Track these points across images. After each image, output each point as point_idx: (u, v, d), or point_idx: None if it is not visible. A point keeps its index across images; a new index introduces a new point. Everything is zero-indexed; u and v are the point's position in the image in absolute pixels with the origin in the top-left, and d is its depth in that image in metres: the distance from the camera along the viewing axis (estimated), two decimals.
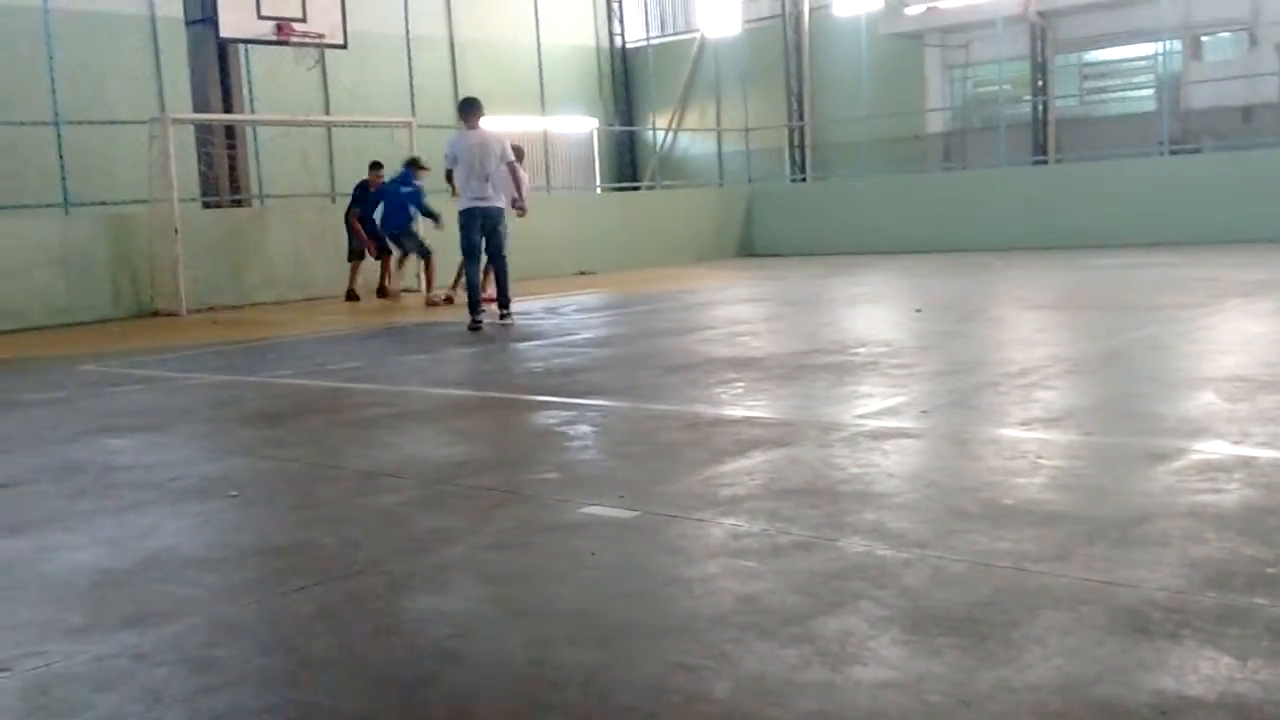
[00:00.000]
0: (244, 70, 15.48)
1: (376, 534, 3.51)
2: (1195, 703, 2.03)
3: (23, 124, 14.70)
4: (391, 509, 3.79)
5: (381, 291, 14.16)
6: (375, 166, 14.32)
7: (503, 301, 10.23)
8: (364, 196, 14.20)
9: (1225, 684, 2.09)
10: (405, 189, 13.51)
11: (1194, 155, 17.83)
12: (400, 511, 3.75)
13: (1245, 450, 3.90)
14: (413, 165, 13.65)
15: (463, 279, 10.57)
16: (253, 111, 16.04)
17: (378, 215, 13.96)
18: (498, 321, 10.09)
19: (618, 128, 24.94)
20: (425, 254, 13.56)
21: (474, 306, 9.87)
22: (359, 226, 14.09)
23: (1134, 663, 2.21)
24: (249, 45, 14.92)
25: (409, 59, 18.48)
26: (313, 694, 2.34)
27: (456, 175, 9.95)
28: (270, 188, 17.19)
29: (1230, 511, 3.17)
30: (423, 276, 13.81)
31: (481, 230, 9.93)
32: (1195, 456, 3.85)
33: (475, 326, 9.72)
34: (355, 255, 14.20)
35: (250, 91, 15.99)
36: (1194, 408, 4.76)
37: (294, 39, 14.34)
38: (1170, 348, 6.77)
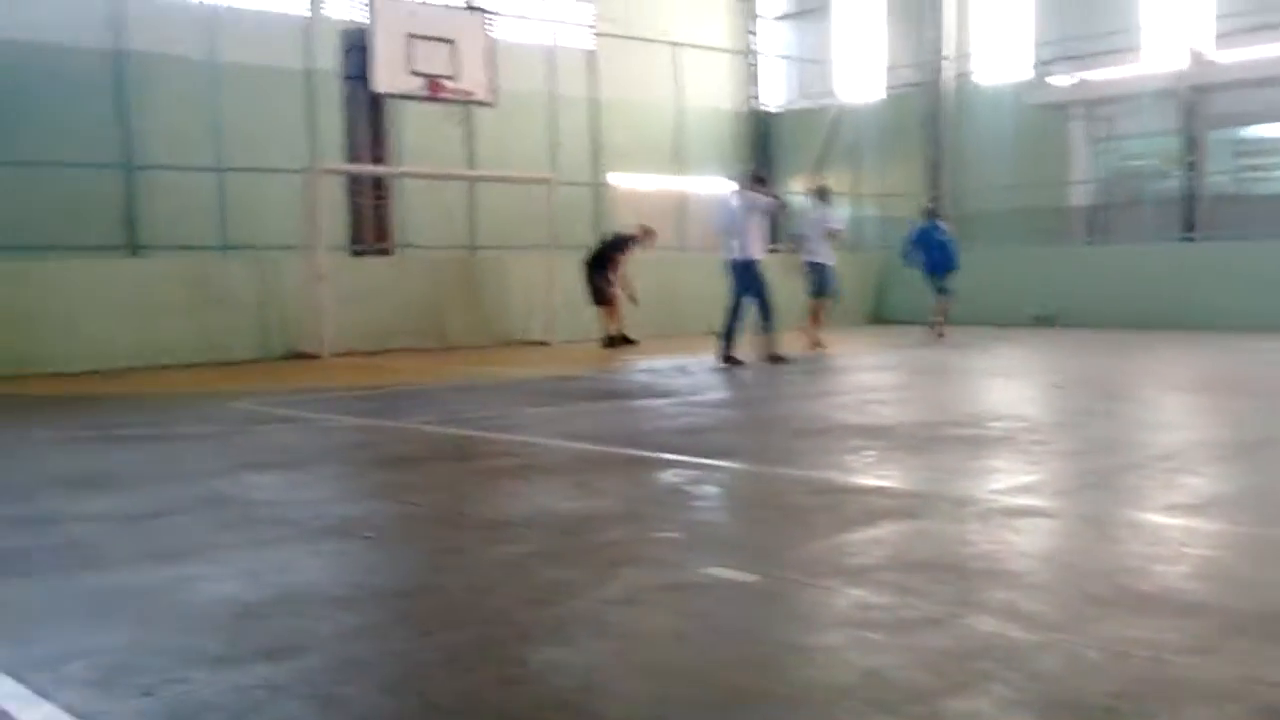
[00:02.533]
0: (395, 125, 16.07)
1: (503, 583, 3.56)
2: None
3: (187, 169, 15.48)
4: (518, 559, 3.84)
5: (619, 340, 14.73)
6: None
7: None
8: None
9: None
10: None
11: None
12: (526, 562, 3.80)
13: None
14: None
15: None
16: (401, 164, 16.60)
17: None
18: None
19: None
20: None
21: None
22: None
23: None
24: (400, 100, 15.49)
25: (553, 117, 18.90)
26: None
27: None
28: (413, 238, 17.72)
29: None
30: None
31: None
32: None
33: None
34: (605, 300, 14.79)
35: (400, 145, 16.57)
36: None
37: (443, 95, 14.85)
38: None
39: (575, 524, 4.33)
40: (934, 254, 15.80)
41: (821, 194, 14.71)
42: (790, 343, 12.21)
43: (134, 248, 16.44)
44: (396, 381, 10.62)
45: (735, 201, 11.70)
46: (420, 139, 17.68)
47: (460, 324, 15.30)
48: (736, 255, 11.30)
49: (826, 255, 14.01)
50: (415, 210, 18.02)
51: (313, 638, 3.02)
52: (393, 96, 15.00)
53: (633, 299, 14.77)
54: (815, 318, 13.94)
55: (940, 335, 15.20)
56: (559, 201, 15.97)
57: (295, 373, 11.68)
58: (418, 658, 2.88)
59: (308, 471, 5.76)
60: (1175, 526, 4.12)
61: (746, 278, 11.34)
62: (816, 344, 13.52)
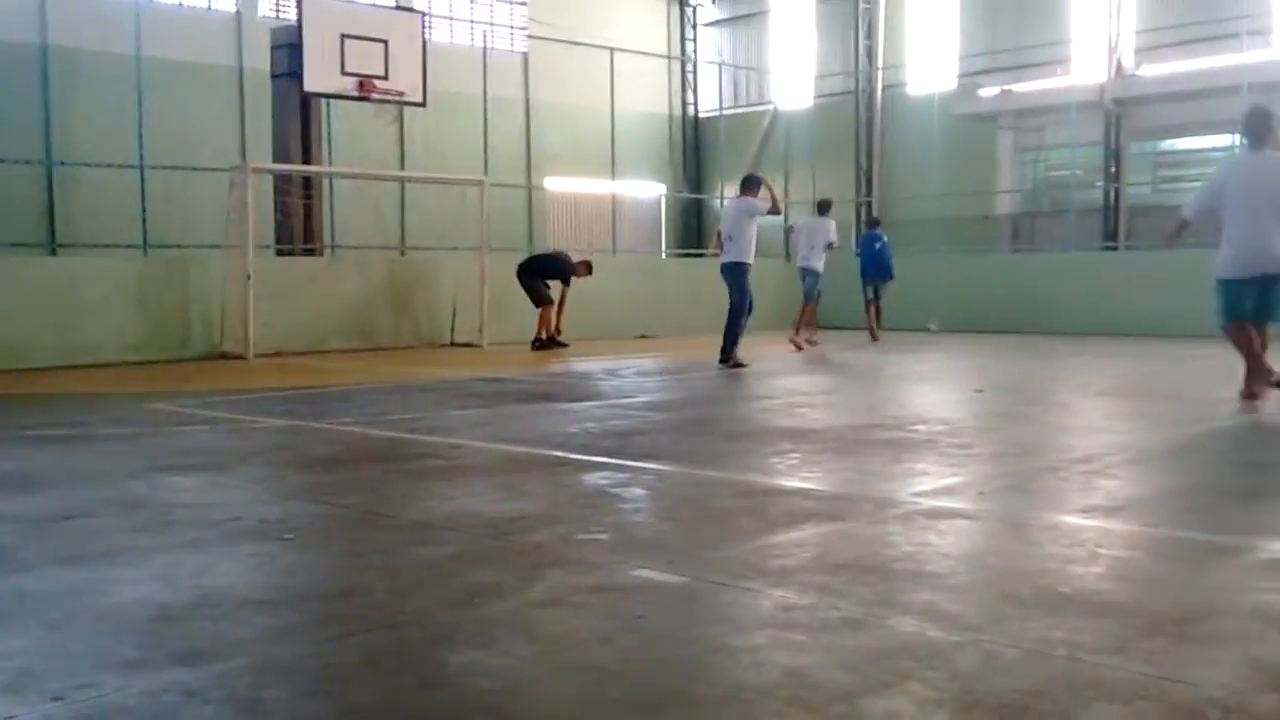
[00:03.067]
0: (324, 123, 15.89)
1: (426, 585, 3.52)
2: None
3: (110, 166, 15.17)
4: (441, 561, 3.81)
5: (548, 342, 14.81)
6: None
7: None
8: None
9: None
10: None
11: None
12: (450, 564, 3.77)
13: None
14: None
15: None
16: (331, 164, 16.42)
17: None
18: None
19: (685, 195, 25.15)
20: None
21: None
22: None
23: None
24: (331, 100, 15.32)
25: (485, 119, 18.82)
26: None
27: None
28: (342, 238, 17.53)
29: None
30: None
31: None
32: (1263, 555, 3.76)
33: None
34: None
35: (329, 144, 16.39)
36: (1261, 505, 4.65)
37: (375, 96, 14.72)
38: (1236, 441, 6.64)
39: (501, 526, 4.30)
40: (870, 262, 16.49)
41: (822, 207, 15.69)
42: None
43: (54, 246, 16.08)
44: (322, 382, 10.48)
45: (731, 206, 12.24)
46: (351, 139, 17.52)
47: (389, 325, 15.17)
48: (727, 258, 11.72)
49: (820, 264, 15.02)
50: (345, 210, 17.83)
51: (230, 641, 2.96)
52: (323, 96, 14.84)
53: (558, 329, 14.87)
54: (808, 320, 14.93)
55: (874, 339, 15.97)
56: (491, 204, 15.89)
57: (219, 374, 11.48)
58: (337, 660, 2.84)
59: (228, 473, 5.66)
60: (1091, 528, 4.20)
61: (731, 279, 11.72)
62: (809, 342, 14.47)
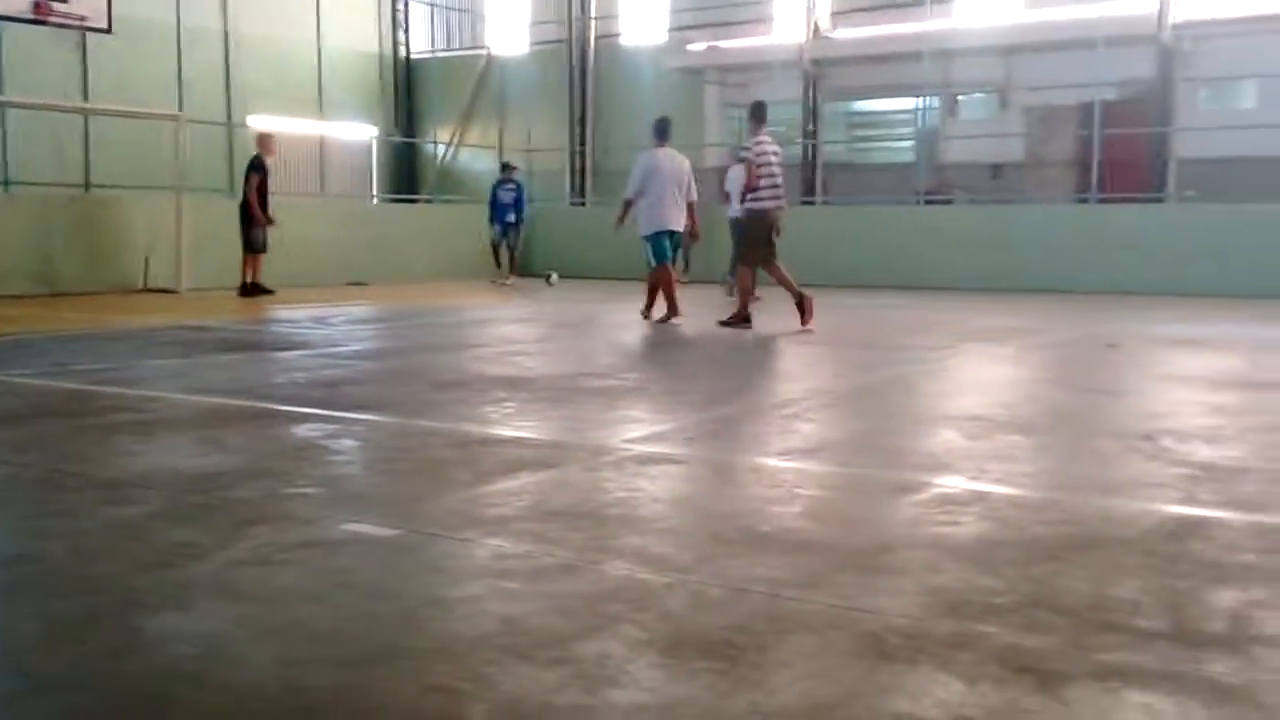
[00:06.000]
0: None
1: (116, 547, 3.31)
2: None
3: None
4: (134, 521, 3.59)
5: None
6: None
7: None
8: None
9: (956, 707, 2.21)
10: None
11: (946, 206, 18.98)
12: (144, 524, 3.55)
13: (980, 486, 4.16)
14: None
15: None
16: (3, 92, 14.99)
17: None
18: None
19: (397, 138, 24.54)
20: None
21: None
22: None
23: (874, 687, 2.31)
24: (2, 22, 13.94)
25: (179, 50, 17.66)
26: (39, 718, 2.19)
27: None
28: (19, 174, 16.09)
29: (965, 543, 3.38)
30: None
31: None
32: (936, 490, 4.08)
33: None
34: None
35: (2, 71, 14.96)
36: (936, 444, 5.04)
37: (53, 19, 13.49)
38: (917, 386, 7.17)
39: (200, 482, 4.09)
40: (502, 210, 17.32)
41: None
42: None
43: None
44: None
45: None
46: (27, 65, 16.05)
47: (74, 268, 14.08)
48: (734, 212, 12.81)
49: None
50: (20, 144, 16.36)
51: None
52: None
53: (269, 220, 14.14)
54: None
55: (503, 284, 16.76)
56: (188, 141, 14.97)
57: None
58: (15, 632, 2.63)
59: None
60: (790, 470, 4.43)
61: (732, 233, 12.81)
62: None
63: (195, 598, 2.87)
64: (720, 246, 15.44)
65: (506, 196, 17.46)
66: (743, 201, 10.73)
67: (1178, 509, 3.83)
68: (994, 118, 19.78)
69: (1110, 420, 5.74)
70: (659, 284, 11.26)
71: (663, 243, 11.25)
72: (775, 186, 10.44)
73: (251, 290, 14.01)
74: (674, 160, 11.38)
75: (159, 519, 3.62)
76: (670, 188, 11.28)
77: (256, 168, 14.16)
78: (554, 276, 17.97)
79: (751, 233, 10.55)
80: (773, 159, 10.41)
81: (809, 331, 9.96)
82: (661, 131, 11.46)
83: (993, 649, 2.52)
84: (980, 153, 19.50)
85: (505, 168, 18.08)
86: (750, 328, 10.31)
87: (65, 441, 4.96)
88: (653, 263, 11.26)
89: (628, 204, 11.43)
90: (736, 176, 14.81)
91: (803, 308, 10.16)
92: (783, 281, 10.38)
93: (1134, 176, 17.67)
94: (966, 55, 19.08)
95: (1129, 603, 2.83)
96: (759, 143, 10.50)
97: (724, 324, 10.43)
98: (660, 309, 11.13)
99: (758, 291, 10.86)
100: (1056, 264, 16.30)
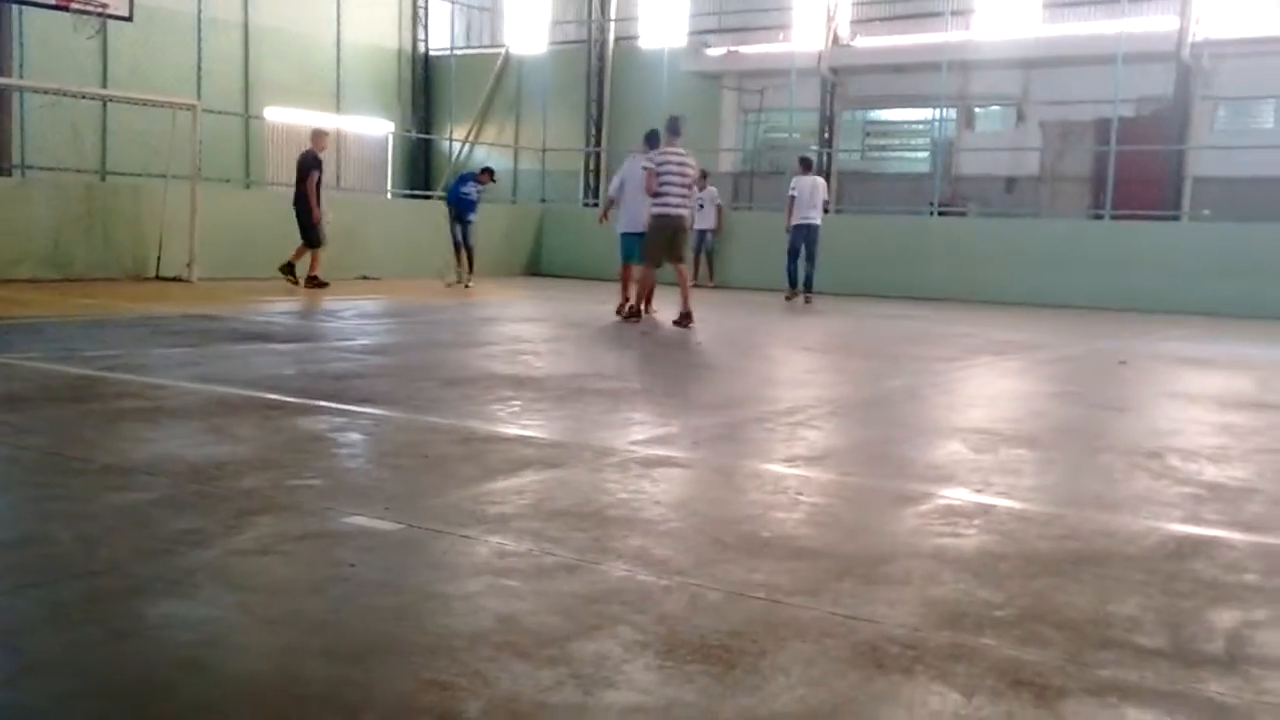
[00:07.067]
0: (16, 32, 14.53)
1: (120, 533, 3.32)
2: None
3: None
4: (139, 507, 3.60)
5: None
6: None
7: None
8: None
9: (951, 719, 2.21)
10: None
11: (960, 218, 18.95)
12: (149, 510, 3.57)
13: (985, 499, 4.15)
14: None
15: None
16: (21, 77, 15.05)
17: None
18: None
19: (414, 134, 24.58)
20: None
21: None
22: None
23: (870, 696, 2.31)
24: (22, 6, 14.00)
25: (199, 40, 17.72)
26: (35, 699, 2.20)
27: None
28: (35, 159, 16.15)
29: (967, 555, 3.37)
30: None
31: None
32: (940, 501, 4.07)
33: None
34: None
35: (21, 55, 15.01)
36: (942, 455, 5.04)
37: (74, 5, 13.56)
38: (926, 397, 7.16)
39: (206, 471, 4.10)
40: (467, 207, 16.62)
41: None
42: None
43: None
44: (6, 314, 9.65)
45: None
46: (46, 51, 16.09)
47: (87, 255, 14.12)
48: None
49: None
50: (38, 129, 16.42)
51: None
52: (14, 2, 13.53)
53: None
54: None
55: (449, 285, 16.08)
56: (205, 131, 15.02)
57: None
58: (16, 614, 2.64)
59: None
60: (793, 476, 4.43)
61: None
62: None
63: (197, 585, 2.88)
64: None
65: (473, 194, 16.71)
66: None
67: (1181, 528, 3.82)
68: (1010, 131, 19.75)
69: (1117, 437, 5.73)
70: (641, 281, 11.72)
71: (630, 243, 11.86)
72: (675, 194, 11.01)
73: (311, 283, 14.03)
74: (680, 160, 11.34)
75: (163, 506, 3.63)
76: (639, 191, 11.63)
77: (315, 164, 14.14)
78: (453, 274, 16.99)
79: (652, 235, 11.17)
80: (673, 170, 10.99)
81: (687, 330, 10.64)
82: (670, 130, 11.40)
83: (991, 662, 2.51)
84: (995, 166, 19.48)
85: (487, 171, 17.27)
86: (639, 322, 11.27)
87: (72, 426, 4.98)
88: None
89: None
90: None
91: (684, 319, 10.83)
92: (682, 286, 11.07)
93: (1149, 194, 17.63)
94: (984, 68, 19.08)
95: (1129, 620, 2.83)
96: (663, 154, 11.09)
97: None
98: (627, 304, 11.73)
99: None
100: (1069, 279, 16.28)
